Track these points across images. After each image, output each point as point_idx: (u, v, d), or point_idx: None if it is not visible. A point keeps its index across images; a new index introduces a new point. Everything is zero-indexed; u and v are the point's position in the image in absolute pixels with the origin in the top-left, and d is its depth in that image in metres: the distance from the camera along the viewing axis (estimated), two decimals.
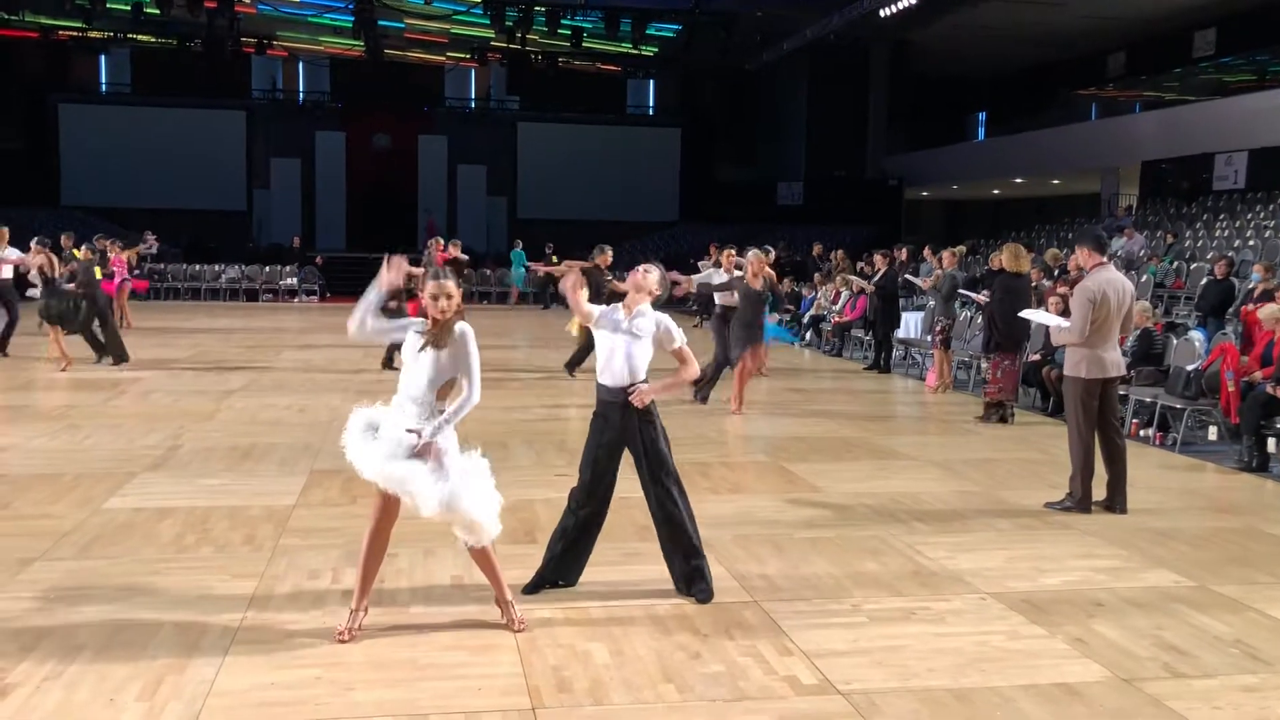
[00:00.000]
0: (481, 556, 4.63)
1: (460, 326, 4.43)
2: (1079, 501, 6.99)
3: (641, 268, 5.10)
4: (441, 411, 4.42)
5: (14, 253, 14.57)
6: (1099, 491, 7.04)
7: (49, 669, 4.13)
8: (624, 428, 4.99)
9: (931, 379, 13.05)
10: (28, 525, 6.12)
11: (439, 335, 4.41)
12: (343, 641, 4.42)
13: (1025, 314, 8.92)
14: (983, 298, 11.83)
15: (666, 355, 5.13)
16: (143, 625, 4.61)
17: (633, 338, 4.95)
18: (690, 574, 5.10)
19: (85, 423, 9.45)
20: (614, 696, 4.03)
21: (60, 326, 12.97)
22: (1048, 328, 8.04)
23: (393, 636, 4.53)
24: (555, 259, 24.25)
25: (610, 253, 12.98)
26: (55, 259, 13.37)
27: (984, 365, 11.92)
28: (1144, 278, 16.07)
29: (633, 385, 4.94)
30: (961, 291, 13.16)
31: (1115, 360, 6.97)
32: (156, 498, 6.81)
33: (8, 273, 14.42)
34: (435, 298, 4.43)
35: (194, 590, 5.07)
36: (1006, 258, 10.76)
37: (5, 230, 14.50)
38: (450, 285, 4.45)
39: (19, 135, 33.01)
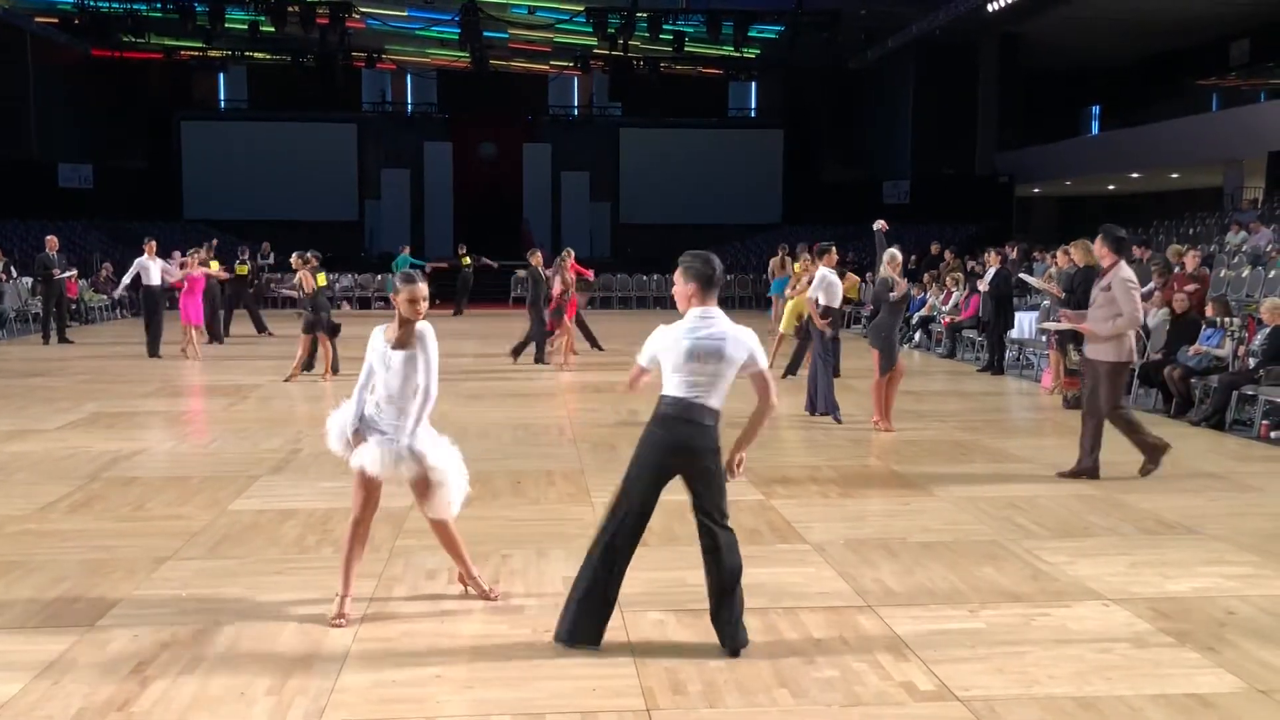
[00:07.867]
0: (444, 530, 4.99)
1: (421, 326, 4.72)
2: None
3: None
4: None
5: (160, 263, 16.20)
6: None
7: (184, 663, 4.30)
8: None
9: (1047, 380, 12.72)
10: (160, 525, 6.38)
11: (407, 337, 4.70)
12: (337, 626, 4.67)
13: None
14: (1059, 290, 11.47)
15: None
16: (269, 622, 4.76)
17: None
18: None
19: (210, 428, 9.80)
20: (728, 700, 4.02)
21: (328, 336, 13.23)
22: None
23: (509, 636, 4.61)
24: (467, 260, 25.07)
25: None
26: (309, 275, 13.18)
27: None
28: (1272, 273, 15.39)
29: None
30: (1037, 283, 12.82)
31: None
32: (279, 500, 7.04)
33: (155, 279, 15.83)
34: (413, 301, 4.69)
35: (317, 589, 5.21)
36: (1083, 254, 10.66)
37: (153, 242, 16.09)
38: (424, 289, 4.71)
39: (144, 152, 34.53)
